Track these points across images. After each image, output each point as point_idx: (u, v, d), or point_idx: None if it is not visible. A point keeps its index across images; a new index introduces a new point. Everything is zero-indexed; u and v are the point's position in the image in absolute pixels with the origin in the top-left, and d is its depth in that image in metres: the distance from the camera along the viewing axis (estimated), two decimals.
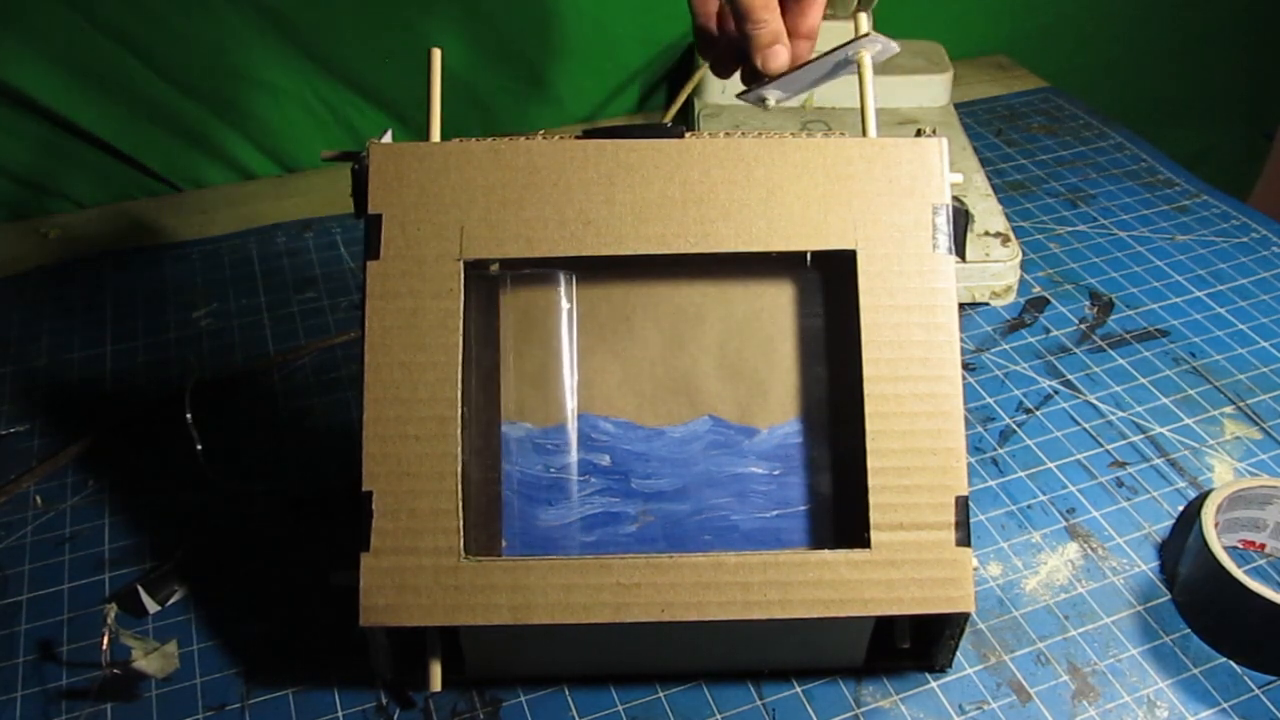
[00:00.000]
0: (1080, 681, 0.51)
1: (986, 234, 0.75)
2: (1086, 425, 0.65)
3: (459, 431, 0.44)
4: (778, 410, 0.49)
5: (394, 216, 0.46)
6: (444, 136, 0.49)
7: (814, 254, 0.48)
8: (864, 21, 0.51)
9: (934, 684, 0.51)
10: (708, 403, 0.49)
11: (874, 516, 0.44)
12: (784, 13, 0.54)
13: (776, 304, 0.50)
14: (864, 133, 0.49)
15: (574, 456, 0.48)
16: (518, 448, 0.48)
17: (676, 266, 0.49)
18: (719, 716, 0.49)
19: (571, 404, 0.49)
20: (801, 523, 0.48)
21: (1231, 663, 0.51)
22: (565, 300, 0.49)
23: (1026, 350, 0.71)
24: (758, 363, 0.49)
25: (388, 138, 0.48)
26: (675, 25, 0.97)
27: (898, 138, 0.47)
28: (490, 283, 0.49)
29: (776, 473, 0.48)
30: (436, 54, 0.49)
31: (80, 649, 0.53)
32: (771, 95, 0.55)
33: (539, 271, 0.49)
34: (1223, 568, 0.50)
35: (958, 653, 0.50)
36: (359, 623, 0.44)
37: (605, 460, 0.48)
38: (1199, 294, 0.75)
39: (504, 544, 0.48)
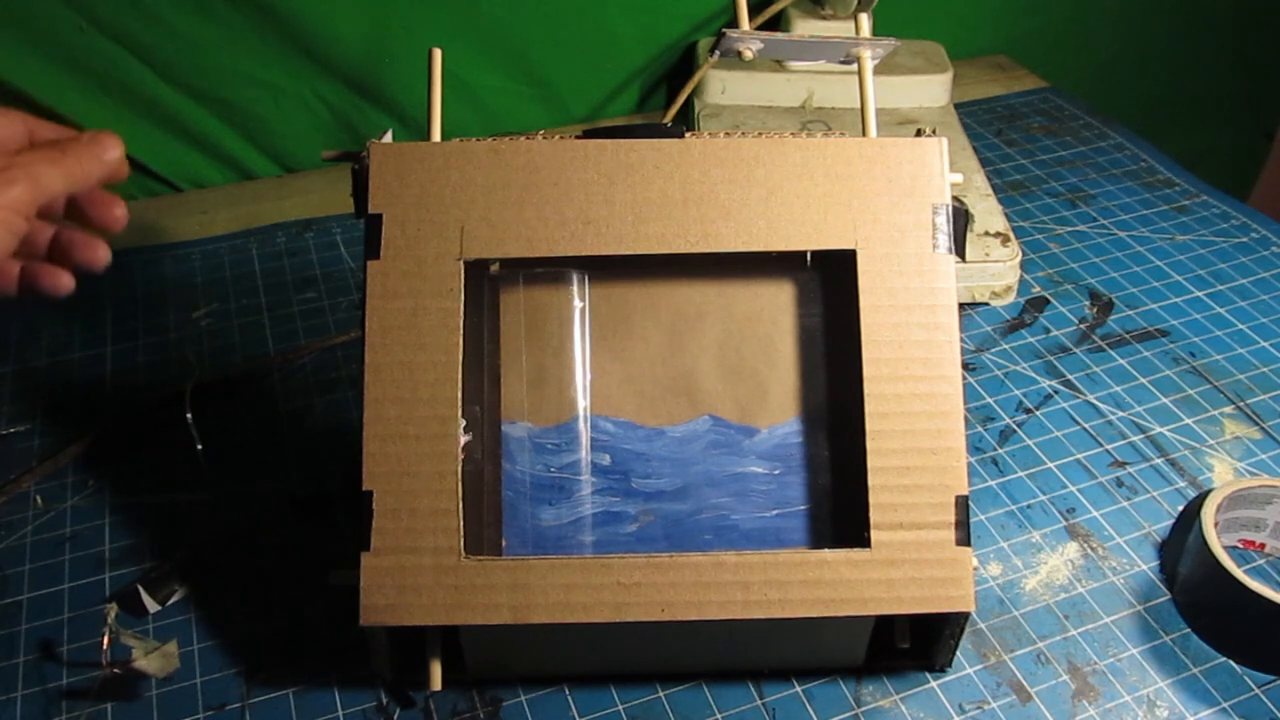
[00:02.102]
0: (1080, 681, 0.51)
1: (986, 234, 0.75)
2: (1086, 425, 0.65)
3: (459, 431, 0.44)
4: (777, 410, 0.49)
5: (394, 216, 0.46)
6: (444, 136, 0.49)
7: (814, 254, 0.48)
8: (864, 22, 0.51)
9: (934, 684, 0.51)
10: (708, 402, 0.49)
11: (874, 516, 0.44)
12: None
13: (776, 304, 0.50)
14: (864, 133, 0.49)
15: (581, 455, 0.48)
16: (518, 447, 0.48)
17: (677, 266, 0.50)
18: (719, 716, 0.49)
19: (584, 403, 0.49)
20: (802, 522, 0.48)
21: (1231, 663, 0.51)
22: (579, 299, 0.49)
23: (1026, 350, 0.71)
24: (758, 363, 0.49)
25: (388, 138, 0.48)
26: (675, 25, 0.97)
27: (898, 138, 0.47)
28: (491, 283, 0.50)
29: (776, 472, 0.48)
30: (437, 54, 0.49)
31: (80, 649, 0.53)
32: (749, 47, 0.53)
33: (551, 270, 0.49)
34: (1223, 568, 0.50)
35: (958, 652, 0.50)
36: (359, 622, 0.44)
37: (605, 460, 0.48)
38: (1199, 294, 0.75)
39: (504, 543, 0.48)
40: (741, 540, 0.48)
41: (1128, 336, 0.71)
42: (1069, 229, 0.82)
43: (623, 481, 0.48)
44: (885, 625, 0.49)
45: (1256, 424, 0.65)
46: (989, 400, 0.67)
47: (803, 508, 0.48)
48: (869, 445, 0.45)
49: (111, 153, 0.48)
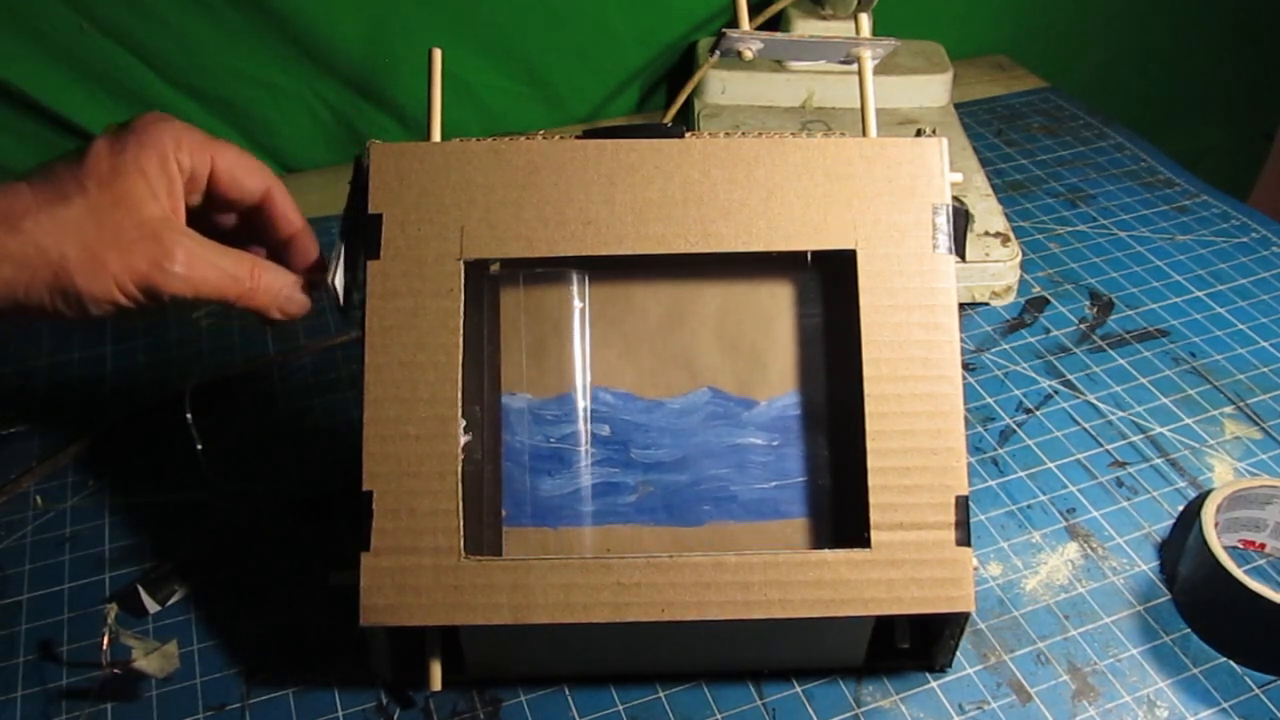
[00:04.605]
0: (1080, 681, 0.51)
1: (986, 234, 0.75)
2: (1086, 425, 0.65)
3: (459, 431, 0.44)
4: (776, 383, 0.49)
5: (394, 216, 0.46)
6: (444, 136, 0.49)
7: (814, 254, 0.48)
8: (864, 22, 0.51)
9: (934, 684, 0.51)
10: (707, 375, 0.49)
11: (874, 516, 0.44)
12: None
13: (776, 302, 0.50)
14: (864, 133, 0.49)
15: (580, 426, 0.48)
16: (517, 418, 0.48)
17: (676, 266, 0.50)
18: (719, 716, 0.49)
19: (583, 374, 0.49)
20: (800, 493, 0.48)
21: (1231, 663, 0.51)
22: (579, 300, 0.49)
23: (1026, 350, 0.71)
24: (756, 336, 0.49)
25: (338, 279, 0.46)
26: (675, 25, 0.96)
27: (898, 138, 0.47)
28: (491, 283, 0.50)
29: (775, 444, 0.48)
30: (437, 54, 0.49)
31: (80, 649, 0.53)
32: (749, 47, 0.53)
33: (551, 270, 0.49)
34: (1223, 568, 0.50)
35: (958, 652, 0.50)
36: (359, 623, 0.44)
37: (605, 431, 0.49)
38: (1199, 294, 0.75)
39: (504, 513, 0.48)
40: (740, 511, 0.48)
41: (1128, 336, 0.71)
42: (1069, 229, 0.82)
43: (622, 452, 0.48)
44: (885, 625, 0.48)
45: (1256, 424, 0.65)
46: (989, 400, 0.67)
47: (801, 479, 0.48)
48: (869, 445, 0.45)
49: (288, 308, 0.48)
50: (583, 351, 0.49)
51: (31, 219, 0.41)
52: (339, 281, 0.46)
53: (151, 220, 0.43)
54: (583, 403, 0.49)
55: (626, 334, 0.49)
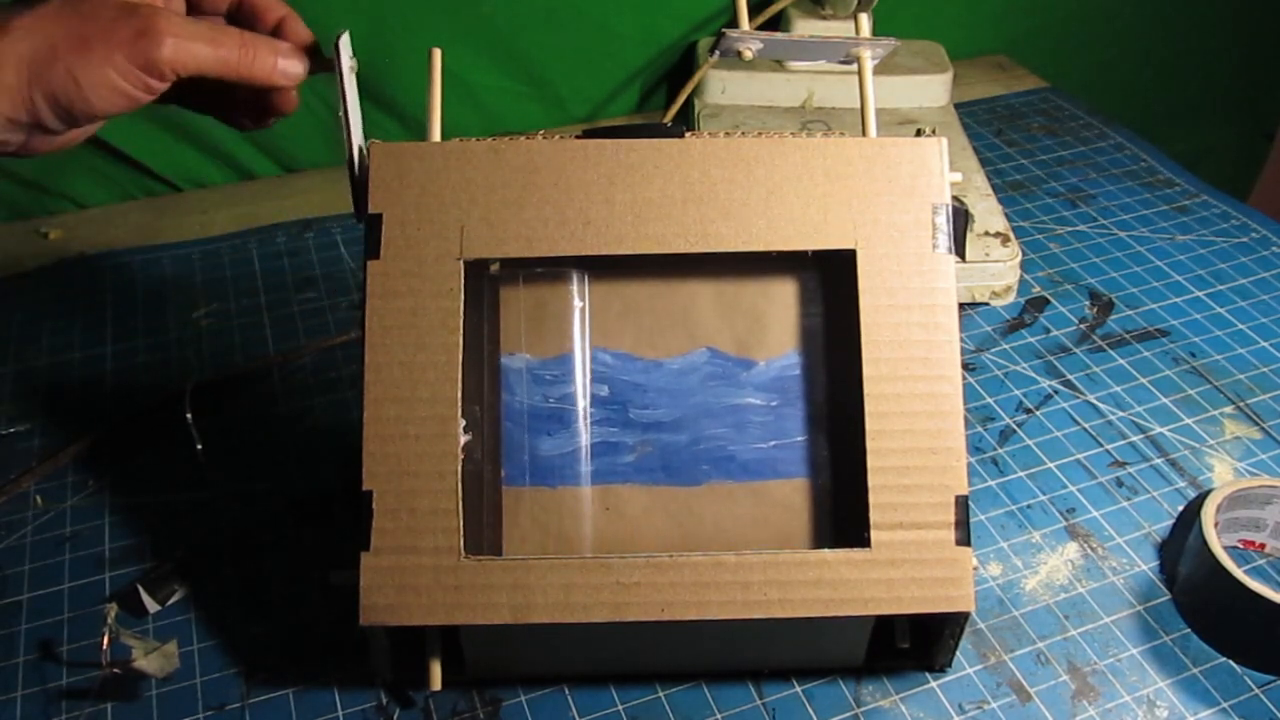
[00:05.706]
0: (1080, 681, 0.51)
1: (986, 234, 0.75)
2: (1086, 425, 0.65)
3: (459, 431, 0.45)
4: (775, 344, 0.49)
5: (394, 216, 0.46)
6: (444, 136, 0.49)
7: (814, 254, 0.48)
8: (864, 22, 0.51)
9: (934, 684, 0.51)
10: (706, 335, 0.49)
11: (874, 516, 0.44)
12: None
13: (775, 301, 0.50)
14: (864, 133, 0.49)
15: (579, 387, 0.49)
16: (516, 379, 0.49)
17: (676, 266, 0.50)
18: (719, 716, 0.49)
19: (582, 335, 0.49)
20: (798, 453, 0.48)
21: (1231, 663, 0.51)
22: (579, 299, 0.49)
23: (1026, 350, 0.71)
24: (756, 298, 0.49)
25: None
26: (675, 25, 0.97)
27: (898, 138, 0.47)
28: (491, 282, 0.50)
29: (774, 404, 0.49)
30: (437, 54, 0.49)
31: (80, 649, 0.53)
32: (749, 47, 0.53)
33: (551, 270, 0.49)
34: (1223, 568, 0.50)
35: (958, 652, 0.50)
36: (359, 622, 0.44)
37: (604, 391, 0.49)
38: (1199, 294, 0.75)
39: (503, 474, 0.48)
40: (739, 471, 0.48)
41: (1128, 336, 0.71)
42: (1069, 229, 0.82)
43: (621, 412, 0.49)
44: (885, 625, 0.49)
45: (1256, 424, 0.65)
46: (989, 400, 0.67)
47: (800, 439, 0.48)
48: (869, 445, 0.45)
49: (287, 70, 0.49)
50: (582, 313, 0.49)
51: (16, 19, 0.43)
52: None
53: (126, 3, 0.44)
54: (581, 363, 0.49)
55: (625, 295, 0.49)
